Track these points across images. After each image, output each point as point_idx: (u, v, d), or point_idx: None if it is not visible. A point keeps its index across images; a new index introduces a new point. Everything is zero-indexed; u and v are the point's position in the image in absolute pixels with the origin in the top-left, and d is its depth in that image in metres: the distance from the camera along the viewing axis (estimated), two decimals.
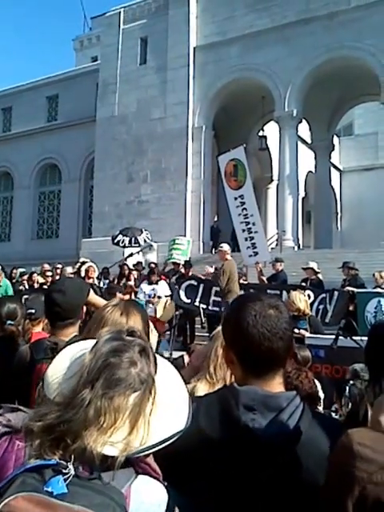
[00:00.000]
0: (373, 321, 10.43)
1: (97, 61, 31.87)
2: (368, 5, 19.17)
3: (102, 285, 13.21)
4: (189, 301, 11.04)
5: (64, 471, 1.18)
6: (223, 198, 23.16)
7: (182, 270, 13.22)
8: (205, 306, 11.09)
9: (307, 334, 6.74)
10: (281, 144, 21.70)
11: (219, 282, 10.44)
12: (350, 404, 4.29)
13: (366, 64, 19.63)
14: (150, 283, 12.30)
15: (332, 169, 28.92)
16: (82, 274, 12.78)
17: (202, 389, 2.53)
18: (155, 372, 1.34)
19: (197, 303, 11.02)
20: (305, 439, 1.52)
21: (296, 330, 6.78)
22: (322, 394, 4.70)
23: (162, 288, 12.03)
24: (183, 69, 23.00)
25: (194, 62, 23.02)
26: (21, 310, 3.94)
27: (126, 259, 14.89)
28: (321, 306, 10.50)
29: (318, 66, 20.49)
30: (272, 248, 19.58)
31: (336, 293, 10.55)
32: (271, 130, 24.94)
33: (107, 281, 13.84)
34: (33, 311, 4.26)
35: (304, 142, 26.75)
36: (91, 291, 3.25)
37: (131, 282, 12.55)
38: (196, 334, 12.73)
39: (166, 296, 11.79)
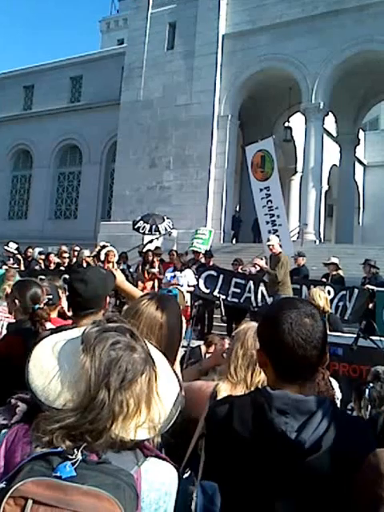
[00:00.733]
0: None
1: (123, 43, 31.74)
2: None
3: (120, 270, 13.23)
4: (208, 290, 11.04)
5: (71, 457, 1.21)
6: (246, 187, 23.25)
7: (203, 260, 13.17)
8: (224, 297, 11.08)
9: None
10: (306, 136, 21.47)
11: (274, 274, 10.06)
12: (370, 407, 4.28)
13: None
14: (174, 270, 12.28)
15: (356, 163, 28.66)
16: (102, 258, 12.80)
17: (225, 388, 2.53)
18: (147, 347, 1.39)
19: (216, 293, 11.02)
20: (335, 442, 1.56)
21: None
22: (339, 395, 4.69)
23: (189, 277, 11.96)
24: (211, 56, 22.76)
25: (223, 50, 22.74)
26: (43, 294, 4.00)
27: (145, 246, 14.85)
28: (340, 303, 10.48)
29: (347, 58, 20.20)
30: (293, 240, 19.46)
31: (356, 290, 10.53)
32: (297, 122, 24.74)
33: (126, 265, 13.85)
34: (50, 297, 4.31)
35: (329, 134, 26.49)
36: (122, 277, 3.26)
37: (155, 269, 12.48)
38: (214, 323, 12.75)
39: (189, 285, 11.74)
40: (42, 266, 13.83)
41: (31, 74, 32.04)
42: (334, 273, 11.86)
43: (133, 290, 3.34)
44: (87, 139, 29.26)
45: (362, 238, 29.89)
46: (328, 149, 24.64)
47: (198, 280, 11.17)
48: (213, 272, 11.29)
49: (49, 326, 3.72)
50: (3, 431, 1.37)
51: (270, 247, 10.30)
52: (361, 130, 28.82)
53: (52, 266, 13.70)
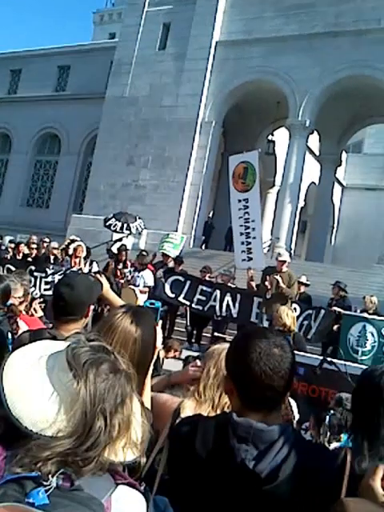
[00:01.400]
0: (355, 344, 10.42)
1: (114, 37, 31.62)
2: None
3: (87, 266, 12.99)
4: (173, 296, 10.88)
5: (45, 483, 1.16)
6: (222, 195, 23.22)
7: (171, 264, 13.01)
8: (188, 303, 10.95)
9: None
10: (288, 152, 21.54)
11: (291, 293, 9.98)
12: (329, 434, 4.21)
13: None
14: (135, 270, 12.14)
15: (335, 183, 28.90)
16: (70, 252, 12.58)
17: (189, 406, 2.50)
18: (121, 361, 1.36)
19: (181, 299, 10.88)
20: (295, 471, 1.58)
21: None
22: (297, 416, 4.64)
23: (147, 277, 11.84)
24: (202, 61, 22.68)
25: (215, 56, 22.69)
26: (22, 288, 4.23)
27: (114, 243, 14.62)
28: (305, 322, 10.44)
29: (339, 80, 20.29)
30: (264, 253, 19.49)
31: (322, 311, 10.52)
32: (280, 136, 24.79)
33: (89, 260, 13.64)
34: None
35: (312, 152, 26.65)
36: (107, 285, 3.28)
37: (127, 269, 12.30)
38: (175, 328, 12.62)
39: (146, 286, 11.61)
40: (11, 256, 13.60)
41: (20, 59, 31.74)
42: (302, 290, 11.83)
43: (116, 299, 3.33)
44: (68, 129, 29.03)
45: (333, 258, 30.14)
46: (309, 166, 24.77)
47: (164, 284, 10.99)
48: (180, 277, 11.13)
49: (22, 326, 3.84)
50: None
51: (282, 263, 10.23)
52: (344, 152, 29.08)
53: (20, 256, 13.50)
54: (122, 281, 11.12)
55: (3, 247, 14.37)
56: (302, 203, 26.43)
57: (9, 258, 13.13)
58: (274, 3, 21.68)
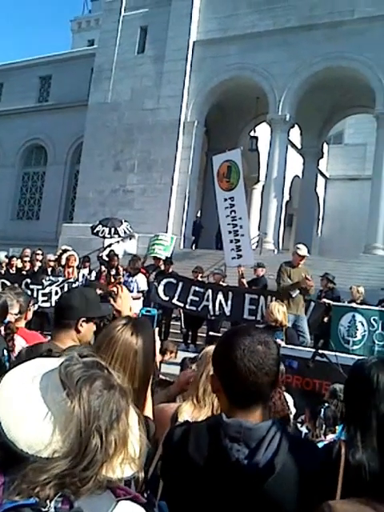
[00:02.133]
0: (345, 334, 10.59)
1: (93, 44, 31.60)
2: (371, 18, 19.17)
3: (81, 274, 13.13)
4: (167, 298, 11.01)
5: (43, 510, 1.13)
6: (208, 194, 23.37)
7: (163, 267, 13.15)
8: (182, 305, 11.08)
9: (282, 344, 6.82)
10: (271, 147, 21.71)
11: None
12: (324, 426, 4.37)
13: (363, 76, 19.68)
14: (129, 275, 12.23)
15: (319, 175, 29.10)
16: (63, 262, 12.72)
17: (186, 410, 2.54)
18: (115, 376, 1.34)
19: (175, 301, 11.01)
20: (283, 466, 1.60)
21: None
22: (293, 410, 4.76)
23: (140, 282, 11.95)
24: (181, 62, 22.86)
25: (193, 56, 22.86)
26: (14, 308, 4.01)
27: (104, 249, 14.73)
28: None
29: (316, 72, 20.49)
30: (252, 249, 19.70)
31: (312, 303, 10.66)
32: (262, 131, 24.97)
33: (87, 271, 13.75)
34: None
35: (294, 146, 26.82)
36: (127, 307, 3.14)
37: (121, 275, 12.36)
38: (170, 330, 12.79)
39: (139, 291, 11.71)
40: (3, 271, 13.65)
41: (0, 72, 31.63)
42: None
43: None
44: (53, 139, 29.02)
45: (320, 249, 30.30)
46: (291, 160, 24.93)
47: (157, 287, 11.14)
48: (172, 279, 11.27)
49: (18, 340, 3.78)
50: None
51: (301, 258, 9.79)
52: (325, 144, 29.27)
53: (13, 270, 13.57)
54: (114, 288, 11.08)
55: None
56: (287, 197, 26.63)
57: (3, 272, 13.21)
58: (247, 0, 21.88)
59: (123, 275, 12.30)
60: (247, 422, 1.66)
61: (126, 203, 22.90)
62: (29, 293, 10.65)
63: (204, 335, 12.18)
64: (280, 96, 20.97)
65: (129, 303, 3.13)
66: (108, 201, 23.45)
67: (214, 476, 1.65)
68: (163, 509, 1.75)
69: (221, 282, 12.12)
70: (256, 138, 24.71)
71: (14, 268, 13.67)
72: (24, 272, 13.02)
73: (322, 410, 4.37)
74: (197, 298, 10.93)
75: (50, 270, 12.84)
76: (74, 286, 11.62)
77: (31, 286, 11.25)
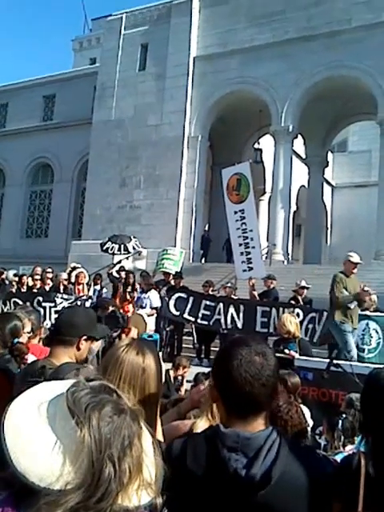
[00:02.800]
0: (360, 343, 10.54)
1: (95, 62, 31.90)
2: (369, 26, 19.27)
3: (91, 292, 13.18)
4: (178, 313, 11.00)
5: None
6: (215, 207, 23.46)
7: (173, 282, 13.18)
8: (193, 319, 11.08)
9: (297, 356, 6.81)
10: (275, 158, 21.77)
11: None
12: (342, 438, 4.35)
13: (364, 84, 19.75)
14: (142, 291, 12.26)
15: (324, 184, 29.11)
16: (73, 279, 12.78)
17: (202, 426, 2.47)
18: (126, 399, 1.29)
19: (186, 316, 11.00)
20: (281, 474, 1.62)
21: (286, 351, 6.88)
22: (310, 422, 4.73)
23: (153, 298, 11.98)
24: (182, 77, 23.03)
25: (194, 72, 23.01)
26: (25, 326, 4.03)
27: (114, 266, 14.80)
28: (310, 326, 10.49)
29: (317, 82, 20.58)
30: (263, 261, 19.72)
31: (325, 313, 10.60)
32: (266, 143, 25.06)
33: (98, 287, 13.80)
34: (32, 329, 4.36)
35: (298, 156, 26.89)
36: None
37: (137, 293, 12.33)
38: (183, 345, 12.80)
39: (153, 308, 11.74)
40: (14, 289, 13.73)
41: (5, 93, 31.95)
42: (304, 296, 12.00)
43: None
44: (59, 157, 29.23)
45: (330, 258, 30.21)
46: (297, 170, 24.97)
47: (168, 302, 11.15)
48: (183, 294, 11.26)
49: (30, 358, 3.78)
50: None
51: (354, 266, 9.49)
52: (329, 152, 29.33)
53: (24, 288, 13.64)
54: (129, 312, 10.77)
55: (7, 281, 14.48)
56: (294, 207, 26.63)
57: (14, 291, 13.31)
58: (245, 14, 22.03)
59: (139, 292, 12.34)
60: (245, 431, 1.67)
61: (133, 219, 22.99)
62: (41, 311, 10.73)
63: (217, 349, 12.14)
64: (282, 107, 21.06)
65: (141, 322, 3.20)
66: (115, 217, 23.54)
67: (212, 486, 1.65)
68: None
69: (232, 295, 12.12)
70: (260, 150, 24.78)
71: (24, 286, 13.73)
72: (35, 290, 13.07)
73: (340, 421, 4.34)
74: (208, 312, 10.91)
75: (62, 288, 12.90)
76: (87, 303, 11.74)
77: (43, 304, 11.28)
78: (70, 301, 11.57)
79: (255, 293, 11.64)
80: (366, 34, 19.34)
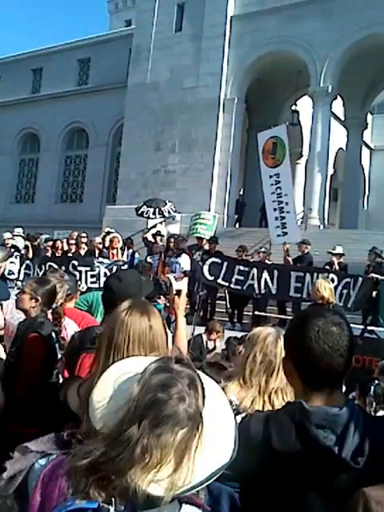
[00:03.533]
0: None
1: (131, 24, 31.47)
2: None
3: (125, 256, 13.24)
4: (212, 278, 11.00)
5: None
6: (250, 171, 23.21)
7: (206, 246, 13.15)
8: (227, 284, 11.07)
9: None
10: (313, 120, 21.36)
11: None
12: (374, 404, 4.32)
13: None
14: (174, 255, 12.28)
15: (363, 147, 28.45)
16: (107, 244, 12.85)
17: (233, 390, 2.58)
18: (203, 405, 1.29)
19: (220, 281, 11.00)
20: (372, 448, 1.61)
21: None
22: (343, 387, 4.70)
23: (184, 262, 11.97)
24: (219, 38, 22.57)
25: (231, 32, 22.54)
26: (61, 292, 4.21)
27: (148, 230, 14.81)
28: (344, 291, 10.41)
29: (358, 41, 19.99)
30: (298, 226, 19.52)
31: (360, 279, 10.47)
32: (304, 105, 24.55)
33: (131, 251, 13.86)
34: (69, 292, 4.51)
35: (337, 118, 26.27)
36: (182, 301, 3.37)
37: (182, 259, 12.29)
38: (216, 310, 12.83)
39: (183, 272, 11.73)
40: (50, 253, 13.89)
41: (39, 57, 31.87)
42: (339, 261, 11.86)
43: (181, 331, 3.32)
44: (94, 122, 29.16)
45: (367, 223, 29.78)
46: (335, 132, 24.42)
47: (202, 267, 11.15)
48: (217, 259, 11.21)
49: (67, 322, 3.97)
50: (40, 462, 1.39)
51: None
52: (369, 113, 28.58)
53: (59, 253, 13.78)
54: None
55: (42, 246, 14.66)
56: (331, 171, 26.15)
57: (49, 255, 13.47)
58: None
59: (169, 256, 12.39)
60: (332, 408, 1.66)
61: (167, 184, 22.93)
62: (77, 274, 10.87)
63: (250, 314, 12.16)
64: (321, 67, 20.56)
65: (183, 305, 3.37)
66: (150, 182, 23.51)
67: (305, 465, 1.63)
68: (212, 491, 1.73)
69: (266, 260, 12.05)
70: (297, 112, 24.29)
71: (59, 251, 13.87)
72: (70, 254, 13.19)
73: (372, 387, 4.34)
74: (242, 277, 10.88)
75: (97, 252, 13.00)
76: (123, 267, 11.87)
77: (79, 268, 11.42)
78: (105, 265, 11.71)
79: (289, 258, 11.52)
80: None
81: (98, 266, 11.47)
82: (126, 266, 12.20)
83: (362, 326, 6.46)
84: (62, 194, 31.20)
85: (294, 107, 24.71)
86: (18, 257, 11.55)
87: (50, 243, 14.28)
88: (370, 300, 10.51)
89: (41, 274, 10.45)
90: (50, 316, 3.88)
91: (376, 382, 4.45)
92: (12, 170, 32.64)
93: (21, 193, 32.94)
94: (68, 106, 29.39)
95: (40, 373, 3.45)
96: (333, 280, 9.76)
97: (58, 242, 14.18)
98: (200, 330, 8.31)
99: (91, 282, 11.48)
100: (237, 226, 22.79)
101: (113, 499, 1.18)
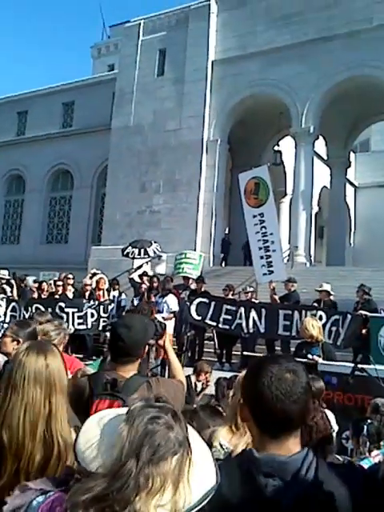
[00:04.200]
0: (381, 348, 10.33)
1: (114, 69, 32.07)
2: None
3: (110, 296, 13.14)
4: (199, 318, 10.95)
5: None
6: (235, 210, 23.28)
7: (192, 286, 13.08)
8: (215, 324, 11.01)
9: (320, 361, 6.69)
10: (296, 159, 21.61)
11: None
12: (368, 443, 4.23)
13: None
14: (159, 296, 12.19)
15: (347, 184, 28.81)
16: (93, 285, 12.77)
17: (223, 435, 2.54)
18: (187, 433, 1.38)
19: (207, 321, 10.94)
20: (323, 496, 1.60)
21: (309, 356, 6.75)
22: (335, 427, 4.63)
23: (171, 302, 11.89)
24: (201, 82, 23.00)
25: (212, 76, 22.99)
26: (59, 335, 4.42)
27: (134, 270, 14.74)
28: (333, 328, 10.38)
29: (338, 83, 20.43)
30: (284, 264, 19.53)
31: (349, 316, 10.44)
32: (286, 144, 24.90)
33: (116, 293, 13.75)
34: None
35: (320, 157, 26.66)
36: (168, 337, 3.46)
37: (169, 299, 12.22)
38: (204, 350, 12.68)
39: (172, 312, 11.63)
40: (36, 295, 13.77)
41: (24, 100, 32.33)
42: (326, 299, 11.80)
43: (174, 360, 3.47)
44: (79, 164, 29.39)
45: (354, 260, 29.91)
46: (318, 171, 24.76)
47: (189, 307, 11.08)
48: (204, 299, 11.19)
49: None
50: (38, 499, 1.43)
51: None
52: (352, 152, 29.05)
53: (45, 294, 13.66)
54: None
55: (27, 288, 14.53)
56: (316, 209, 26.44)
57: (36, 297, 13.36)
58: (264, 16, 21.96)
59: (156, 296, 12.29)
60: (280, 455, 1.64)
61: (153, 224, 22.98)
62: (64, 317, 10.78)
63: (238, 353, 12.04)
64: (303, 109, 20.92)
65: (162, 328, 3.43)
66: (135, 222, 23.56)
67: None
68: None
69: (252, 299, 11.99)
70: (280, 152, 24.61)
71: (45, 292, 13.75)
72: (57, 296, 13.07)
73: (365, 426, 4.27)
74: (230, 317, 10.85)
75: (87, 294, 12.91)
76: (109, 307, 11.88)
77: (66, 310, 11.35)
78: (92, 306, 11.66)
79: (276, 296, 11.50)
80: None
81: (86, 308, 11.45)
82: (112, 305, 12.17)
83: (352, 365, 6.34)
84: (47, 234, 31.17)
85: (276, 147, 24.99)
86: (5, 299, 11.46)
87: (36, 285, 14.17)
88: (359, 337, 10.46)
89: (27, 316, 10.35)
90: None
91: (369, 421, 4.39)
92: None
93: (6, 234, 32.90)
94: (53, 148, 29.65)
95: None
96: (321, 317, 9.75)
97: (44, 284, 14.06)
98: (188, 371, 8.18)
99: (78, 323, 11.43)
100: (223, 264, 22.80)
101: None
